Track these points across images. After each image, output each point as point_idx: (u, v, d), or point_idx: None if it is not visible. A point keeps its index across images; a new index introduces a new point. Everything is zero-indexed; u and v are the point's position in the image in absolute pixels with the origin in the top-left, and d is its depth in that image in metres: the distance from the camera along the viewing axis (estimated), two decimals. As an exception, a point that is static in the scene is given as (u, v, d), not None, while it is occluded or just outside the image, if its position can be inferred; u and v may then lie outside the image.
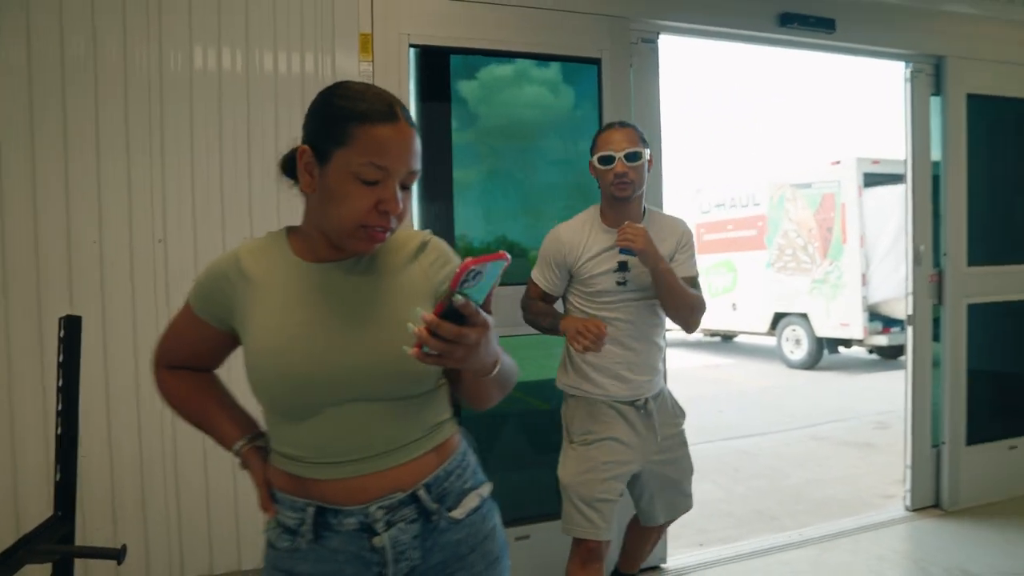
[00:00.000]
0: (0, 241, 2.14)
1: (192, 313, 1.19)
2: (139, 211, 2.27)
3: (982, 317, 3.75)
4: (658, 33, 2.96)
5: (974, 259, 3.66)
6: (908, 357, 3.66)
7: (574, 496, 2.19)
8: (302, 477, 1.11)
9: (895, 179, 8.53)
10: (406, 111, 1.08)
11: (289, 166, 1.14)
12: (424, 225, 2.67)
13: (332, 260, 1.13)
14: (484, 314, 0.92)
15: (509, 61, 2.81)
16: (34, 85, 2.16)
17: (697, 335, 12.76)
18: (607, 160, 2.13)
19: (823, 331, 9.19)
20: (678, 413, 2.37)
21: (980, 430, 3.73)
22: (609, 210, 2.21)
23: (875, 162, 8.70)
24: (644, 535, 2.51)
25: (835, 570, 3.05)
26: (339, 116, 1.03)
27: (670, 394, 2.37)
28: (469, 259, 0.88)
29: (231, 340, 1.19)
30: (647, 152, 2.15)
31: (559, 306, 2.32)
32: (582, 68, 2.88)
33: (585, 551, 2.18)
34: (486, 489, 1.23)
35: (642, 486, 2.33)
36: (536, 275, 2.28)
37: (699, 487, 3.52)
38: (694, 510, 2.99)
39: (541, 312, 2.25)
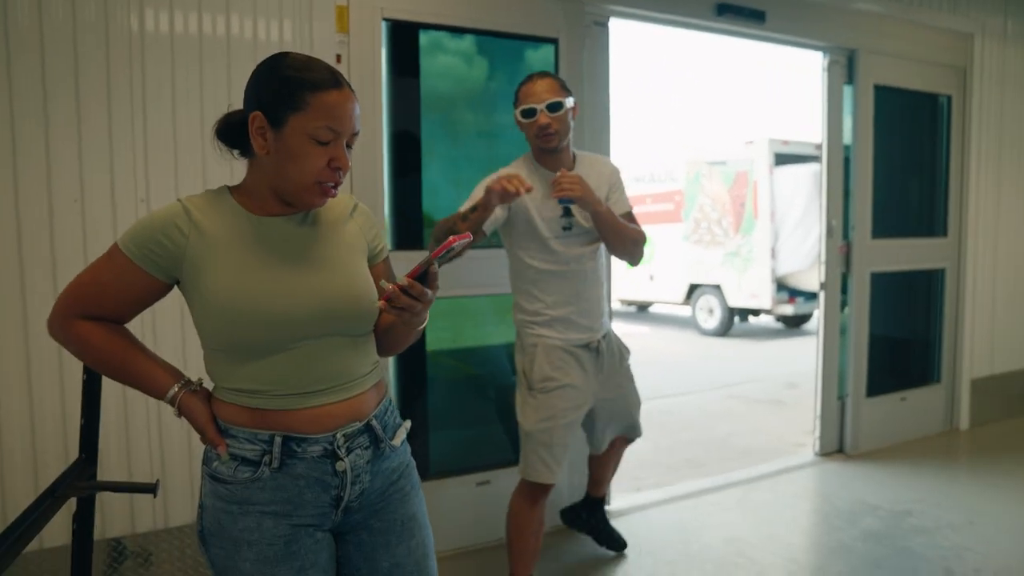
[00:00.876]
0: (15, 197, 2.17)
1: (127, 261, 1.19)
2: (121, 172, 2.32)
3: (882, 284, 4.21)
4: (609, 17, 3.18)
5: (877, 233, 4.09)
6: (820, 319, 4.07)
7: (536, 443, 2.30)
8: (265, 410, 1.21)
9: (803, 159, 9.14)
10: (345, 79, 1.22)
11: (227, 133, 1.25)
12: (395, 189, 2.83)
13: (281, 215, 1.25)
14: (437, 283, 1.16)
15: (471, 37, 2.97)
16: (11, 46, 2.17)
17: (614, 304, 13.27)
18: (530, 113, 2.19)
19: (735, 301, 9.78)
20: (624, 352, 2.54)
21: (877, 384, 4.20)
22: (542, 159, 2.31)
23: (785, 143, 9.26)
24: (604, 460, 2.75)
25: (758, 506, 3.43)
26: (293, 84, 1.15)
27: (615, 334, 2.53)
28: (452, 237, 1.12)
29: (162, 291, 1.24)
30: (569, 100, 2.21)
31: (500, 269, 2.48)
32: (536, 45, 3.08)
33: (537, 491, 2.34)
34: (408, 424, 1.40)
35: (593, 420, 2.52)
36: (466, 205, 2.22)
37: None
38: (629, 460, 3.29)
39: (450, 219, 2.19)
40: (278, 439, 1.21)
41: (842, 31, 3.83)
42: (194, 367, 1.39)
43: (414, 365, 2.96)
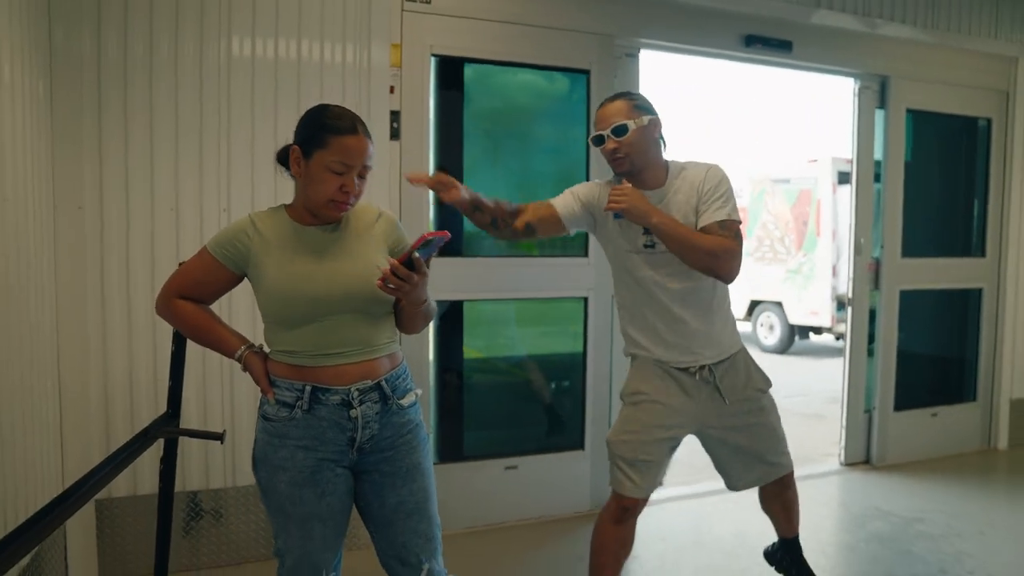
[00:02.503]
0: (126, 201, 2.65)
1: (211, 259, 1.64)
2: (208, 186, 2.78)
3: (917, 303, 4.34)
4: (639, 49, 3.49)
5: (909, 252, 4.23)
6: (847, 332, 4.24)
7: (616, 454, 2.22)
8: (301, 366, 1.62)
9: (878, 179, 9.11)
10: (365, 127, 1.60)
11: (283, 159, 1.67)
12: (440, 206, 3.21)
13: (318, 224, 1.66)
14: (425, 268, 1.51)
15: (513, 69, 3.33)
16: (128, 78, 2.65)
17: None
18: (598, 140, 2.16)
19: (795, 318, 9.79)
20: (756, 382, 2.28)
21: (907, 399, 4.32)
22: (635, 179, 2.17)
23: (848, 161, 9.22)
24: (767, 504, 2.55)
25: (771, 506, 3.63)
26: (321, 128, 1.57)
27: (748, 362, 2.30)
28: (427, 232, 1.54)
29: (235, 282, 1.68)
30: (643, 118, 2.11)
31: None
32: (574, 76, 3.41)
33: (621, 507, 2.21)
34: (419, 392, 1.79)
35: (712, 453, 2.38)
36: (555, 199, 2.24)
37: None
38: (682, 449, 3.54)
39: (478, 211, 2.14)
40: (308, 388, 1.61)
41: (873, 58, 4.01)
42: (259, 338, 1.80)
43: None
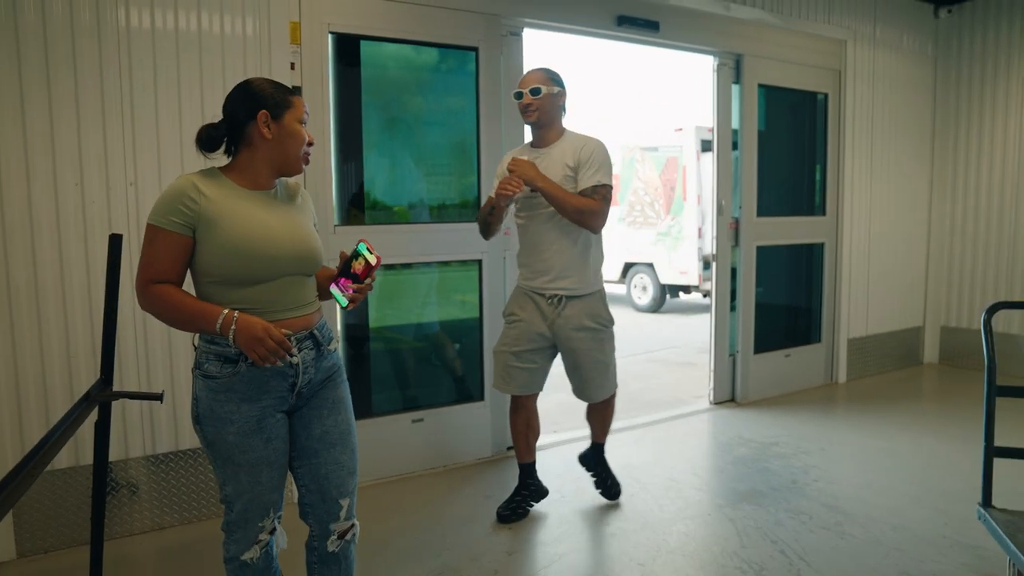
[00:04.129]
0: (26, 175, 2.64)
1: (165, 232, 1.65)
2: (113, 158, 2.81)
3: (769, 257, 4.90)
4: (523, 28, 3.75)
5: (761, 212, 4.77)
6: (712, 285, 4.75)
7: (496, 361, 2.99)
8: None
9: (735, 146, 9.83)
10: None
11: (209, 142, 1.76)
12: (340, 174, 3.36)
13: (264, 189, 1.81)
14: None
15: (407, 46, 3.51)
16: (21, 48, 2.61)
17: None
18: (517, 95, 2.82)
19: (666, 278, 10.49)
20: (602, 317, 2.91)
21: (764, 343, 4.90)
22: (533, 135, 2.89)
23: (711, 130, 9.91)
24: (588, 413, 3.22)
25: (652, 442, 4.09)
26: (279, 92, 1.79)
27: (600, 302, 2.92)
28: (378, 258, 1.80)
29: (192, 246, 1.69)
30: (555, 88, 2.78)
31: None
32: (464, 53, 3.63)
33: (513, 402, 3.06)
34: (338, 339, 2.07)
35: (564, 363, 3.00)
36: (491, 190, 2.91)
37: (556, 396, 4.48)
38: (551, 410, 3.92)
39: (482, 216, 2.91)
40: None
41: (728, 38, 4.47)
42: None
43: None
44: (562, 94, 2.86)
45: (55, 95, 2.69)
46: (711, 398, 4.81)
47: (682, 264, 10.15)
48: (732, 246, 4.71)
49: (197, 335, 1.80)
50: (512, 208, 2.94)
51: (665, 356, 6.90)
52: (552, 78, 2.82)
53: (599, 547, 2.85)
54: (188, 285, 1.77)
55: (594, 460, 3.31)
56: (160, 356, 2.94)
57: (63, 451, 2.79)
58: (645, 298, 10.87)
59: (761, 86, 4.66)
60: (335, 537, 1.92)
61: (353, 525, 1.96)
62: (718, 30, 4.42)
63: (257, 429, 1.77)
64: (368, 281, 1.78)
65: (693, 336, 8.04)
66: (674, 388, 5.47)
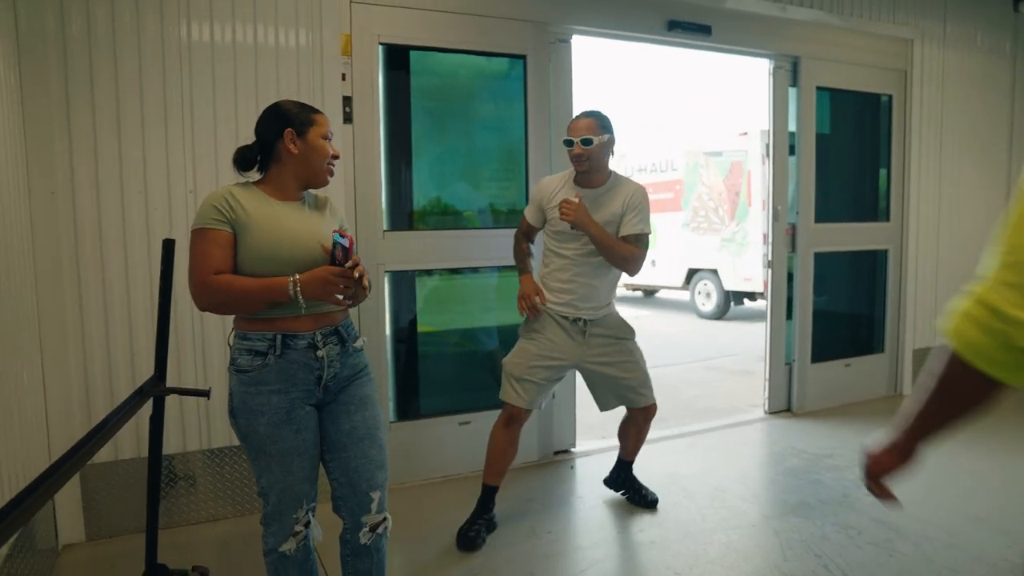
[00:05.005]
0: (96, 185, 2.82)
1: (211, 231, 1.81)
2: (174, 167, 2.97)
3: (829, 264, 4.77)
4: (571, 35, 3.78)
5: (820, 218, 4.65)
6: (768, 292, 4.65)
7: (508, 373, 2.99)
8: (272, 318, 1.85)
9: (794, 151, 9.61)
10: None
11: (243, 161, 1.95)
12: (390, 181, 3.45)
13: (293, 200, 1.96)
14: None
15: (456, 54, 3.58)
16: (93, 63, 2.79)
17: (620, 290, 13.82)
18: (568, 143, 2.85)
19: (730, 285, 10.31)
20: (624, 331, 3.04)
21: (823, 351, 4.77)
22: (578, 174, 2.92)
23: (776, 134, 9.71)
24: (625, 429, 3.27)
25: (702, 451, 4.04)
26: (303, 111, 1.94)
27: (617, 318, 3.05)
28: (350, 238, 1.87)
29: (235, 243, 1.83)
30: (605, 136, 2.82)
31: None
32: (511, 61, 3.68)
33: (508, 414, 2.99)
34: (364, 339, 2.11)
35: (589, 382, 3.12)
36: (526, 211, 3.05)
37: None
38: (599, 417, 3.93)
39: (520, 254, 3.07)
40: (279, 336, 1.85)
41: (784, 41, 4.38)
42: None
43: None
44: (612, 140, 2.90)
45: (122, 107, 2.86)
46: (766, 407, 4.71)
47: (747, 270, 9.95)
48: (789, 253, 4.60)
49: (232, 335, 1.91)
50: (546, 222, 3.01)
51: (723, 364, 6.79)
52: (602, 124, 2.86)
53: (637, 554, 2.84)
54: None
55: (624, 479, 3.37)
56: (216, 356, 3.08)
57: (127, 442, 2.96)
58: (709, 305, 10.70)
59: (820, 89, 4.55)
60: (367, 530, 1.98)
61: (385, 519, 2.03)
62: (773, 32, 4.33)
63: (287, 420, 1.87)
64: (349, 263, 1.80)
65: (754, 344, 7.84)
66: (729, 396, 5.38)
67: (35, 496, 1.39)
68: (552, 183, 2.99)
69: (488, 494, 3.03)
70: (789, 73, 4.48)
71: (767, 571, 2.65)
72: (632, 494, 3.34)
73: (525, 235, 3.08)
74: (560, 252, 2.94)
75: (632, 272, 2.90)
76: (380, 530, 2.01)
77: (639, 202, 2.90)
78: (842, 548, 2.81)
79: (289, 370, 1.87)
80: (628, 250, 2.85)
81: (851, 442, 4.06)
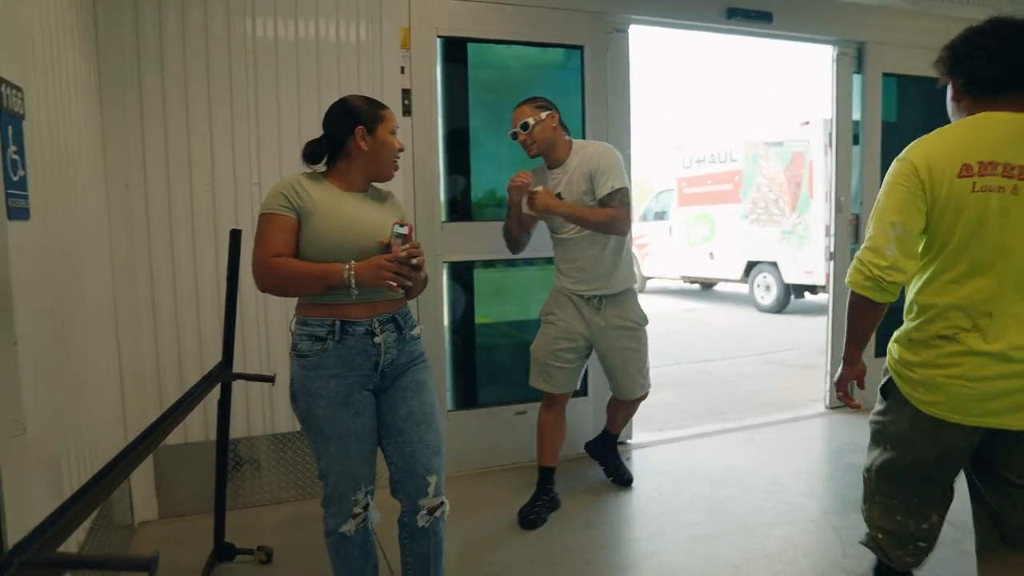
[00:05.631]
0: (167, 177, 2.94)
1: (276, 216, 1.88)
2: (240, 160, 3.06)
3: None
4: (628, 24, 3.75)
5: (886, 207, 4.51)
6: (830, 285, 4.54)
7: (533, 359, 3.13)
8: (331, 305, 1.91)
9: (858, 140, 9.33)
10: None
11: (313, 155, 2.01)
12: (448, 174, 3.50)
13: (358, 191, 2.03)
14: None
15: (513, 46, 3.59)
16: (164, 61, 2.92)
17: (677, 283, 13.69)
18: (513, 136, 2.95)
19: (790, 278, 10.08)
20: (636, 316, 3.09)
21: (887, 344, 4.62)
22: (545, 157, 3.00)
23: (840, 123, 9.44)
24: (614, 404, 3.36)
25: (761, 444, 3.98)
26: (372, 108, 2.02)
27: (634, 301, 3.10)
28: (410, 226, 1.93)
29: (298, 229, 1.90)
30: (543, 115, 2.87)
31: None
32: (568, 52, 3.68)
33: (548, 399, 3.14)
34: (421, 327, 2.16)
35: (602, 362, 3.18)
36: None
37: (663, 395, 4.47)
38: (657, 409, 3.90)
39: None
40: (337, 322, 1.92)
41: (849, 26, 4.25)
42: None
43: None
44: (552, 115, 2.93)
45: (191, 103, 2.97)
46: (827, 402, 4.61)
47: (808, 263, 9.72)
48: (852, 244, 4.49)
49: (294, 321, 1.98)
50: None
51: (782, 358, 6.66)
52: (538, 105, 2.92)
53: (693, 547, 2.82)
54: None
55: (605, 449, 3.50)
56: (279, 342, 3.17)
57: (197, 426, 3.08)
58: (768, 298, 10.49)
59: (886, 75, 4.41)
60: (424, 513, 2.02)
61: (442, 503, 2.06)
62: (837, 17, 4.21)
63: (345, 403, 1.93)
64: (404, 250, 1.84)
65: (815, 338, 7.67)
66: (788, 390, 5.27)
67: (115, 472, 1.46)
68: (536, 172, 3.05)
69: (545, 475, 3.14)
70: (854, 59, 4.35)
71: (827, 568, 2.61)
72: (610, 469, 3.47)
73: (524, 226, 3.12)
74: (557, 237, 3.06)
75: (621, 232, 2.93)
76: (438, 513, 2.04)
77: (604, 161, 2.90)
78: (906, 546, 2.73)
79: (347, 355, 1.93)
80: (604, 213, 2.86)
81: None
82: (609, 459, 3.48)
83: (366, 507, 2.03)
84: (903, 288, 1.79)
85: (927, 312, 1.77)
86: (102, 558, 1.99)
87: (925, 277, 1.78)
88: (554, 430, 3.14)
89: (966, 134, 1.75)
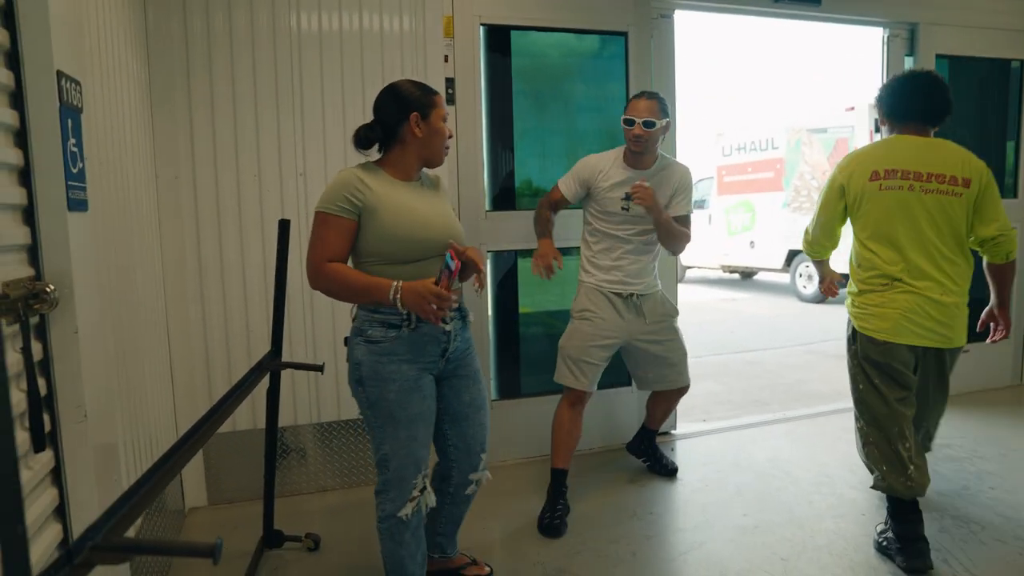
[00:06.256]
0: (214, 169, 2.99)
1: (335, 218, 1.89)
2: (285, 151, 3.09)
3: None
4: (673, 9, 3.69)
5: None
6: (879, 275, 4.42)
7: (564, 355, 3.05)
8: None
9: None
10: None
11: (365, 141, 1.99)
12: (492, 161, 3.49)
13: (413, 180, 2.04)
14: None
15: (556, 34, 3.56)
16: (212, 55, 2.95)
17: (717, 272, 13.52)
18: (629, 123, 2.87)
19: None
20: (669, 309, 3.13)
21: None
22: (630, 154, 2.95)
23: (887, 108, 9.19)
24: (656, 400, 3.35)
25: (805, 435, 3.92)
26: (426, 94, 2.02)
27: (663, 295, 3.14)
28: (457, 263, 1.89)
29: (356, 230, 1.93)
30: (664, 121, 2.86)
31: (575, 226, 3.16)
32: (612, 38, 3.63)
33: (572, 396, 3.04)
34: (471, 314, 2.22)
35: (633, 359, 3.17)
36: (561, 182, 3.05)
37: (705, 385, 4.41)
38: (700, 399, 3.84)
39: (542, 219, 3.05)
40: (413, 312, 1.92)
41: (901, 7, 4.13)
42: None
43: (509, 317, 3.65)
44: (668, 125, 2.95)
45: (238, 96, 3.00)
46: (875, 394, 4.50)
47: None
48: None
49: (356, 307, 2.01)
50: (588, 199, 3.06)
51: (825, 348, 6.53)
52: (663, 108, 2.90)
53: (740, 538, 2.78)
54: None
55: (645, 445, 3.47)
56: (325, 332, 3.20)
57: (245, 415, 3.13)
58: (811, 287, 10.31)
59: (939, 56, 4.27)
60: (473, 485, 2.25)
61: (486, 472, 2.29)
62: (889, -1, 4.10)
63: (415, 387, 1.99)
64: (444, 283, 1.85)
65: (861, 328, 7.54)
66: (832, 381, 5.18)
67: (178, 456, 1.49)
68: (600, 161, 3.01)
69: (560, 478, 3.01)
70: (906, 41, 4.23)
71: (879, 563, 2.56)
72: (653, 463, 3.45)
73: (552, 206, 3.08)
74: (610, 232, 2.99)
75: (679, 252, 3.06)
76: (482, 482, 2.27)
77: (688, 184, 3.01)
78: (964, 543, 2.67)
79: (420, 342, 1.99)
80: (683, 233, 2.97)
81: (970, 432, 3.85)
82: (650, 454, 3.47)
83: (423, 490, 2.07)
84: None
85: (869, 271, 2.59)
86: (167, 544, 2.03)
87: (860, 246, 2.64)
88: (573, 429, 3.04)
89: (879, 149, 2.58)
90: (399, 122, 1.99)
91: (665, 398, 3.32)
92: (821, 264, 3.03)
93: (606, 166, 2.98)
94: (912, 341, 2.54)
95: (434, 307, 1.84)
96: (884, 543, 2.61)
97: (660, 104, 2.89)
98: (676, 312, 3.18)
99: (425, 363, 2.01)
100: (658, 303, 3.10)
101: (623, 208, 2.93)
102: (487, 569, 2.48)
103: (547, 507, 2.94)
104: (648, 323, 3.06)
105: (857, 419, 2.78)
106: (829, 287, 3.06)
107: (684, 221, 2.99)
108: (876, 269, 2.56)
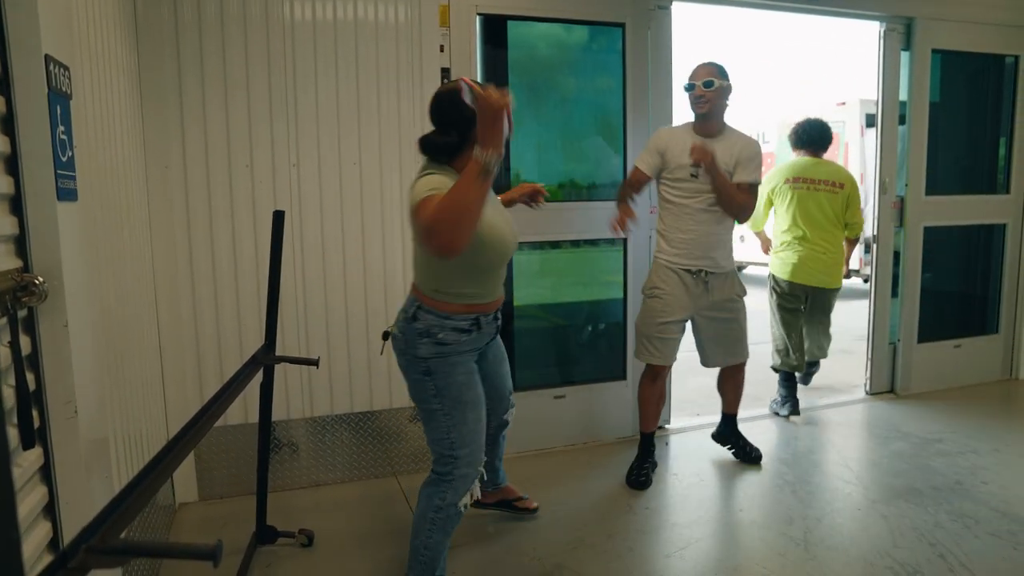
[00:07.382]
0: (205, 159, 2.93)
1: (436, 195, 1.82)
2: (278, 142, 3.04)
3: (939, 239, 4.51)
4: (671, 1, 3.65)
5: (931, 190, 4.39)
6: (872, 268, 4.44)
7: (640, 333, 3.20)
8: (474, 303, 2.10)
9: (903, 120, 9.09)
10: None
11: (440, 148, 1.99)
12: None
13: None
14: None
15: (553, 24, 3.52)
16: (203, 43, 2.89)
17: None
18: (689, 87, 3.02)
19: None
20: (738, 289, 3.22)
21: (930, 331, 4.53)
22: (697, 124, 3.08)
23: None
24: (723, 384, 3.49)
25: (800, 429, 3.91)
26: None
27: (734, 275, 3.23)
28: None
29: None
30: (725, 82, 2.98)
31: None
32: (610, 30, 3.59)
33: (652, 371, 3.22)
34: None
35: (701, 334, 3.26)
36: (638, 160, 3.16)
37: (699, 379, 4.39)
38: (693, 393, 3.83)
39: (622, 196, 3.15)
40: (480, 317, 2.14)
41: (898, 1, 4.11)
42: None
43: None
44: (730, 88, 3.04)
45: (230, 85, 2.95)
46: (867, 388, 4.52)
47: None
48: (896, 228, 4.37)
49: (419, 310, 2.09)
50: (662, 172, 3.13)
51: (819, 343, 6.53)
52: (721, 72, 3.01)
53: (737, 533, 2.77)
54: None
55: (730, 433, 3.54)
56: (317, 326, 3.16)
57: (237, 409, 3.08)
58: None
59: (936, 52, 4.26)
60: (507, 417, 2.63)
61: (513, 408, 2.66)
62: (887, -7, 4.08)
63: (475, 372, 2.18)
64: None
65: (850, 322, 7.53)
66: (827, 376, 5.16)
67: (174, 453, 1.45)
68: (673, 131, 3.14)
69: (649, 439, 3.30)
70: (902, 36, 4.21)
71: (876, 557, 2.55)
72: (737, 449, 3.50)
73: (635, 187, 3.16)
74: (680, 202, 3.06)
75: (744, 219, 3.12)
76: (513, 415, 2.67)
77: (754, 151, 3.06)
78: (959, 537, 2.67)
79: (480, 338, 2.18)
80: (744, 197, 3.03)
81: (962, 427, 3.86)
82: (734, 441, 3.52)
83: (481, 479, 2.21)
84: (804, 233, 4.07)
85: (785, 236, 4.11)
86: (166, 547, 1.99)
87: (781, 224, 4.15)
88: (658, 399, 3.28)
89: (791, 165, 4.17)
90: (470, 126, 1.88)
91: (729, 377, 3.44)
92: (759, 234, 4.59)
93: (678, 136, 3.08)
94: (804, 281, 4.10)
95: (505, 119, 1.76)
96: (774, 403, 4.22)
97: (719, 68, 3.01)
98: (743, 292, 3.26)
99: (479, 352, 2.23)
100: (727, 283, 3.18)
101: (692, 175, 3.01)
102: (534, 504, 2.91)
103: (635, 464, 3.26)
104: (713, 299, 3.14)
105: (771, 327, 4.29)
106: (765, 246, 4.43)
107: (747, 189, 3.04)
108: (786, 236, 4.10)
